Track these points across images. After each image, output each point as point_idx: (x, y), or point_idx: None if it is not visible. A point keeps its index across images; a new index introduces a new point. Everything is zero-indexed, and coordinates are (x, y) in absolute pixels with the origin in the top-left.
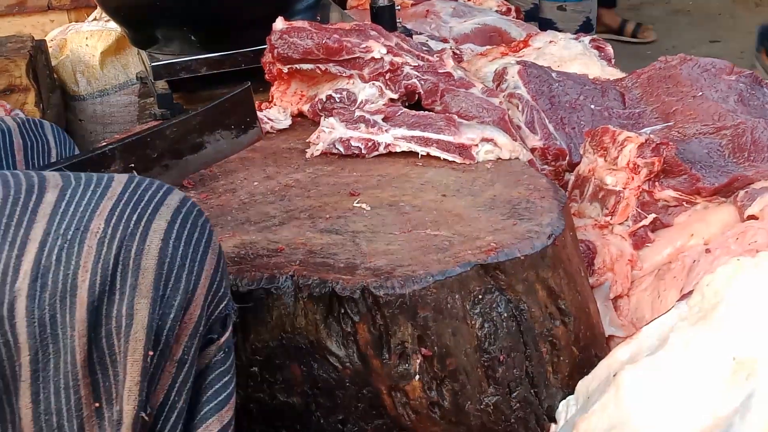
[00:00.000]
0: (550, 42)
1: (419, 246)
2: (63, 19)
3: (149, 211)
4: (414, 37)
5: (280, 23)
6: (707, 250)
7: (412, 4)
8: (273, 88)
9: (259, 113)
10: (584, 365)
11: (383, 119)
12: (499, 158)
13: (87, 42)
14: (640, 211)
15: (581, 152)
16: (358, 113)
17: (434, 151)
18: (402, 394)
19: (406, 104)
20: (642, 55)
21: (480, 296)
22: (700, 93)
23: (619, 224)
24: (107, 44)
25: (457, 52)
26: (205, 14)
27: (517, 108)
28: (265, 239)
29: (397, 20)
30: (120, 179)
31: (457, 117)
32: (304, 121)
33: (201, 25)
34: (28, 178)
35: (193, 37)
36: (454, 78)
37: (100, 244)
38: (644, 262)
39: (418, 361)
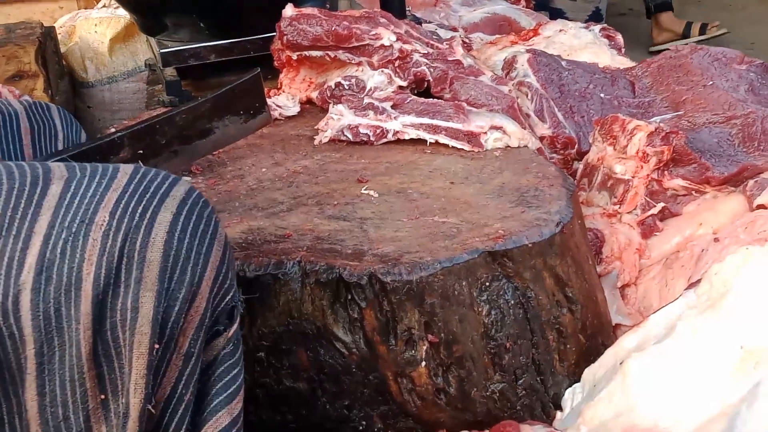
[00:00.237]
0: (560, 31)
1: (427, 233)
2: (72, 5)
3: (154, 203)
4: (423, 25)
5: (289, 10)
6: (716, 240)
7: None
8: (282, 75)
9: (267, 100)
10: (591, 353)
11: (392, 106)
12: (508, 146)
13: (96, 29)
14: (648, 199)
15: (590, 141)
16: (366, 100)
17: (443, 139)
18: (408, 380)
19: (415, 92)
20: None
21: (487, 283)
22: (711, 82)
23: (628, 213)
24: (116, 31)
25: (467, 40)
26: (214, 1)
27: (527, 96)
28: (272, 225)
29: (407, 9)
30: (125, 170)
31: (466, 105)
32: (313, 108)
33: (210, 11)
34: (33, 170)
35: (202, 24)
36: (463, 66)
37: (105, 237)
38: (652, 251)
39: (425, 347)
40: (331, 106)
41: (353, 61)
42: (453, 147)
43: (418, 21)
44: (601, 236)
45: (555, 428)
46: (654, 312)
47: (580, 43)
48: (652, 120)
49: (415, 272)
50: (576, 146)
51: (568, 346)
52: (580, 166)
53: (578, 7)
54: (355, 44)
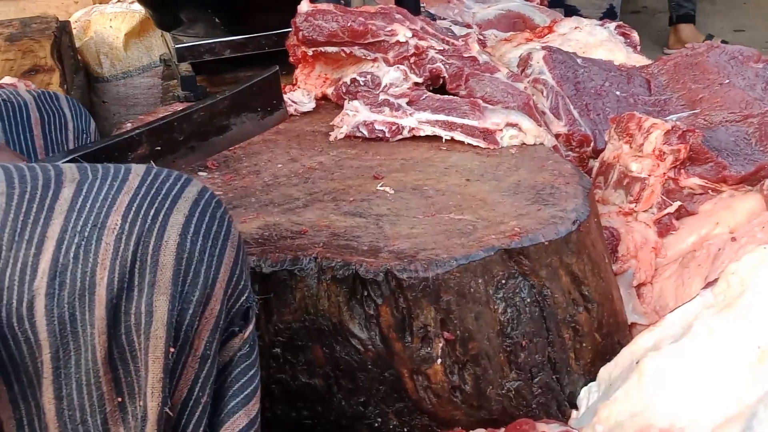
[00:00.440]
0: (575, 28)
1: (443, 230)
2: (87, 0)
3: (166, 205)
4: (437, 22)
5: (305, 5)
6: (732, 239)
7: None
8: (297, 71)
9: (283, 96)
10: (607, 352)
11: (407, 103)
12: (524, 143)
13: (111, 23)
14: (665, 198)
15: (606, 139)
16: (382, 97)
17: (458, 136)
18: (424, 377)
19: (431, 88)
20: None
21: (503, 281)
22: (727, 80)
23: (644, 211)
24: (131, 26)
25: (481, 37)
26: None
27: (542, 93)
28: (288, 221)
29: (421, 5)
30: (137, 171)
31: (481, 102)
32: (328, 104)
33: (225, 7)
34: (45, 172)
35: (217, 20)
36: (479, 62)
37: (117, 241)
38: (668, 250)
39: (441, 344)
40: (346, 102)
41: (369, 57)
42: (468, 144)
43: (433, 17)
44: (617, 234)
45: (570, 427)
46: (670, 311)
47: (595, 40)
48: (668, 118)
49: (431, 269)
50: (592, 144)
51: (584, 344)
52: (595, 164)
53: (592, 4)
54: (371, 40)
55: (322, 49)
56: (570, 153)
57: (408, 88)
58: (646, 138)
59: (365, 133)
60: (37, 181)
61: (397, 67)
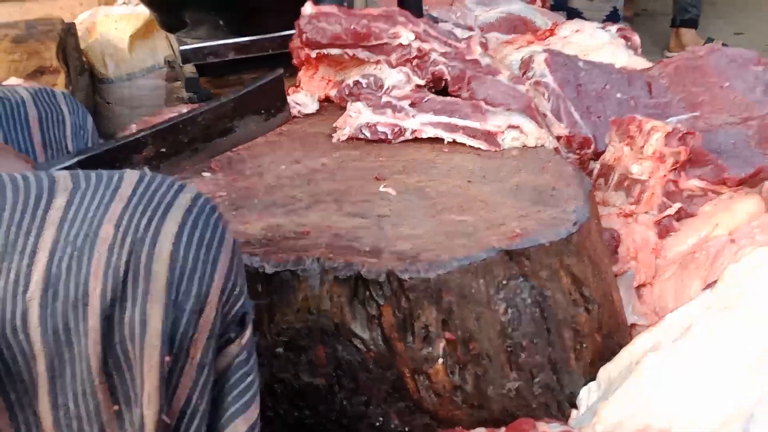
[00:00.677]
0: (577, 31)
1: (444, 231)
2: (92, 2)
3: (159, 213)
4: (440, 24)
5: (308, 8)
6: (732, 240)
7: None
8: (300, 73)
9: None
10: (607, 353)
11: (410, 105)
12: (525, 145)
13: (116, 25)
14: (665, 200)
15: (607, 141)
16: (385, 99)
17: (460, 138)
18: (425, 377)
19: (433, 90)
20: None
21: (504, 282)
22: (727, 83)
23: (644, 213)
24: (136, 28)
25: (483, 40)
26: None
27: (543, 96)
28: (291, 222)
29: (424, 8)
30: (130, 179)
31: (483, 104)
32: (331, 106)
33: (229, 9)
34: (38, 182)
35: (221, 22)
36: (481, 65)
37: (110, 251)
38: (668, 252)
39: (442, 344)
40: (349, 104)
41: (372, 60)
42: (470, 146)
43: (435, 20)
44: (617, 236)
45: (570, 427)
46: (670, 312)
47: (596, 43)
48: (668, 120)
49: (433, 270)
50: (592, 146)
51: (585, 345)
52: (596, 166)
53: (596, 6)
54: (374, 42)
55: (325, 51)
56: (571, 155)
57: (410, 90)
58: (646, 140)
59: (368, 134)
60: (30, 191)
61: (400, 70)
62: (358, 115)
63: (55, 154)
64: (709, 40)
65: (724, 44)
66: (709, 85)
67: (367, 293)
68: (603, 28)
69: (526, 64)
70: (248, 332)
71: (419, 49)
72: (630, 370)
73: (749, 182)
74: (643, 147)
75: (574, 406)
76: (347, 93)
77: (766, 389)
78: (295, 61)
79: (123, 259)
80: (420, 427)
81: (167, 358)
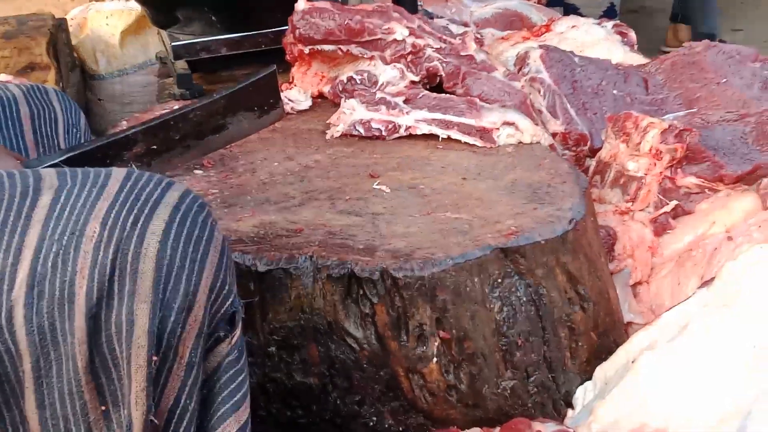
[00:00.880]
0: (573, 27)
1: (439, 228)
2: None
3: (146, 211)
4: (435, 20)
5: (302, 3)
6: (729, 238)
7: None
8: (294, 69)
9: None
10: (602, 351)
11: (404, 101)
12: (521, 142)
13: (107, 21)
14: (661, 197)
15: (603, 138)
16: (379, 95)
17: (455, 134)
18: (419, 376)
19: (428, 87)
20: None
21: (499, 280)
22: (724, 80)
23: (640, 210)
24: (127, 23)
25: (479, 36)
26: None
27: (539, 92)
28: (284, 219)
29: (418, 3)
30: (117, 176)
31: (478, 100)
32: (325, 103)
33: (222, 5)
34: (23, 179)
35: (213, 17)
36: (476, 61)
37: (96, 249)
38: (665, 249)
39: (436, 343)
40: (343, 100)
41: (365, 56)
42: (465, 143)
43: (430, 16)
44: (613, 234)
45: (566, 426)
46: (666, 310)
47: (592, 39)
48: (665, 117)
49: (427, 268)
50: (588, 143)
51: (580, 343)
52: (592, 163)
53: (592, 2)
54: (368, 38)
55: (318, 47)
56: (567, 152)
57: (405, 87)
58: (643, 137)
59: (362, 131)
60: (15, 189)
61: (394, 66)
62: (351, 112)
63: (47, 151)
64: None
65: (721, 40)
66: (706, 82)
67: (361, 291)
68: (599, 24)
69: (521, 60)
70: (238, 331)
71: (414, 45)
72: (626, 369)
73: (746, 179)
74: (639, 144)
75: (570, 405)
76: (341, 89)
77: (764, 387)
78: (288, 57)
79: (109, 257)
80: (414, 426)
81: (155, 358)
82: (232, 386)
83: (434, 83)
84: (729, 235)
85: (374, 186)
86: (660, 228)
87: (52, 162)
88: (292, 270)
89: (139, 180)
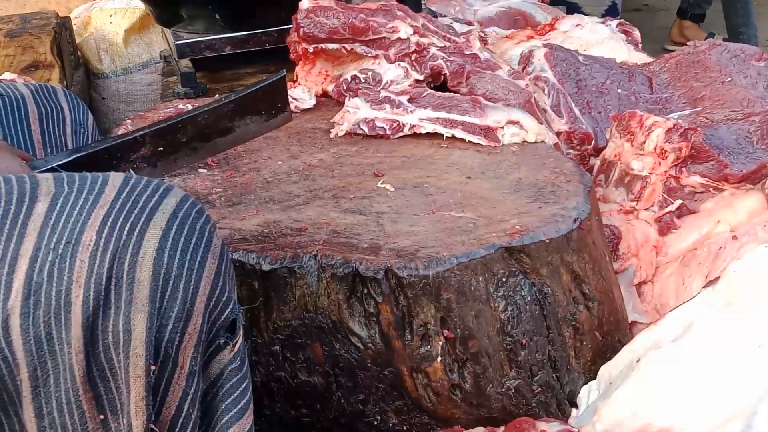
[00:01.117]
0: (577, 25)
1: (443, 228)
2: None
3: (143, 219)
4: (439, 19)
5: (306, 2)
6: (734, 237)
7: None
8: (298, 68)
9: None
10: (607, 350)
11: (408, 100)
12: (525, 141)
13: (111, 20)
14: (666, 196)
15: (607, 137)
16: (383, 94)
17: (459, 133)
18: (423, 375)
19: (432, 85)
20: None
21: (504, 279)
22: (729, 79)
23: (645, 210)
24: (131, 22)
25: (483, 34)
26: None
27: (543, 91)
28: (288, 218)
29: (422, 2)
30: (114, 182)
31: (482, 99)
32: (329, 101)
33: (226, 3)
34: (20, 185)
35: (217, 16)
36: (480, 60)
37: (92, 258)
38: (669, 249)
39: (441, 342)
40: (347, 99)
41: (370, 54)
42: (469, 141)
43: (434, 14)
44: (618, 233)
45: (570, 426)
46: (671, 310)
47: (596, 38)
48: (669, 116)
49: (432, 267)
50: (593, 142)
51: (584, 343)
52: (597, 162)
53: (594, 1)
54: (372, 37)
55: (322, 45)
56: (571, 151)
57: (409, 85)
58: (647, 136)
59: (366, 130)
60: (11, 195)
61: (398, 64)
62: (356, 111)
63: (54, 151)
64: (711, 35)
65: (725, 39)
66: (710, 81)
67: (365, 290)
68: (603, 22)
69: (525, 59)
70: (240, 338)
71: (418, 44)
72: (631, 368)
73: (751, 178)
74: (644, 143)
75: (574, 404)
76: (345, 88)
77: None
78: (292, 56)
79: (105, 266)
80: (418, 425)
81: (153, 367)
82: (236, 394)
83: (438, 82)
84: (734, 234)
85: (378, 185)
86: (665, 227)
87: (59, 162)
88: (296, 269)
89: (137, 186)
